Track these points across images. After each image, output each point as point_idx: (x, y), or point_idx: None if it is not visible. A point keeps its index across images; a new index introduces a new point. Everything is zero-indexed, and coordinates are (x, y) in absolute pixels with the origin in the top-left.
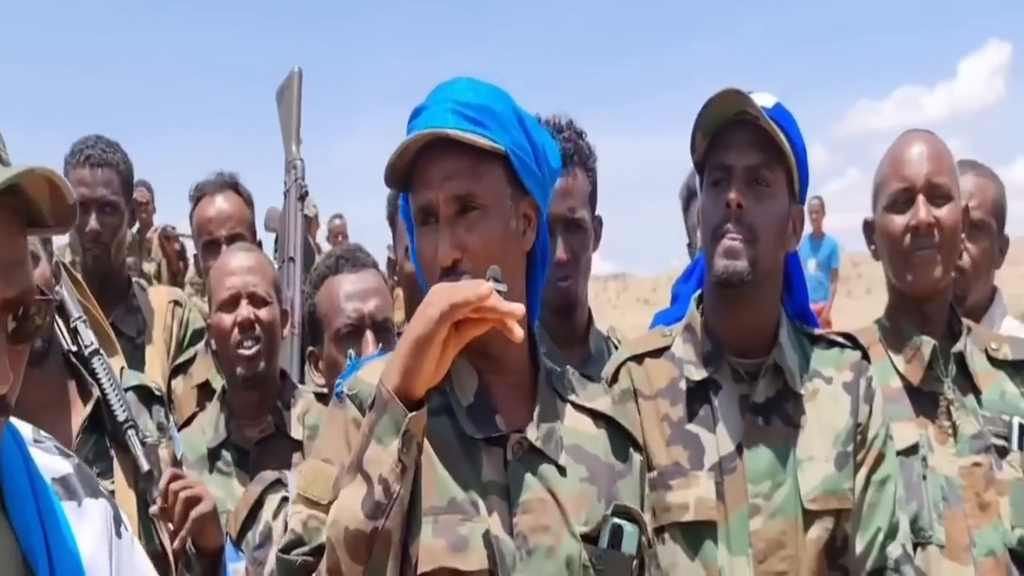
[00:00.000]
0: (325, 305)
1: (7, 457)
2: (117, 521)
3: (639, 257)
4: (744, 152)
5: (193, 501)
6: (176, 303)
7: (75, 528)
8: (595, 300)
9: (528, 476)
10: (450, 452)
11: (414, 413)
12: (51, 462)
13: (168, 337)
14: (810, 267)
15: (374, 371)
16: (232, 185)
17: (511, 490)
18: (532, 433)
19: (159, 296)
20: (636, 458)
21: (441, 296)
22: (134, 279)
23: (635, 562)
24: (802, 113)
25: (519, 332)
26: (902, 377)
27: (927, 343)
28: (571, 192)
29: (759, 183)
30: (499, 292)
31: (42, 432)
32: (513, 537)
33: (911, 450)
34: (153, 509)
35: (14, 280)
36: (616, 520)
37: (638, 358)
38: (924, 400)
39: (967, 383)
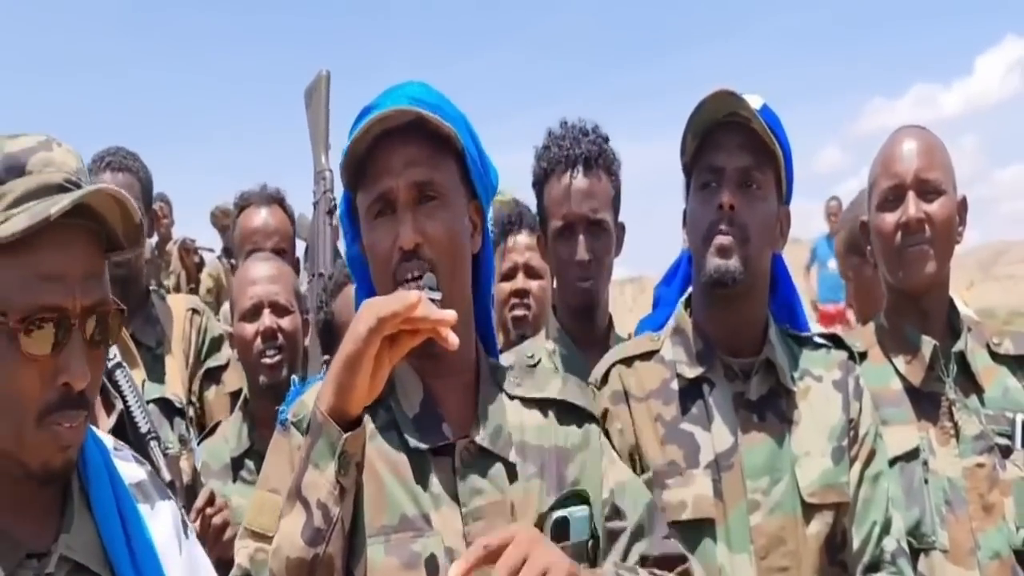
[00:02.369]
0: (345, 314)
1: (92, 463)
2: (184, 523)
3: (654, 260)
4: (735, 154)
5: (223, 528)
6: (194, 311)
7: (150, 526)
8: (613, 304)
9: (478, 481)
10: (399, 467)
11: (349, 433)
12: (129, 469)
13: (187, 346)
14: (829, 266)
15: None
16: (279, 200)
17: (462, 498)
18: (478, 435)
19: (177, 304)
20: (593, 430)
21: (369, 311)
22: (152, 288)
23: (590, 543)
24: (816, 113)
25: (454, 340)
26: (903, 378)
27: (927, 343)
28: (594, 194)
29: (749, 185)
30: (434, 300)
31: (120, 442)
32: (467, 546)
33: (912, 454)
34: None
35: (91, 291)
36: (559, 513)
37: (627, 361)
38: (925, 401)
39: (969, 382)
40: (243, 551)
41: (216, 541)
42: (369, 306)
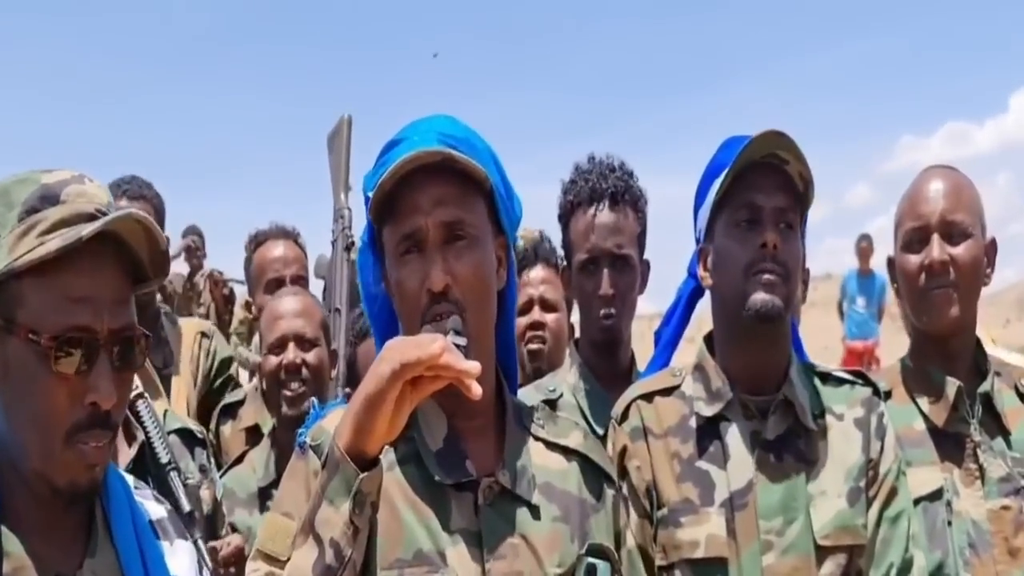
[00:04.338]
0: (365, 364)
1: (115, 496)
2: (200, 564)
3: None
4: (772, 194)
5: None
6: (203, 334)
7: (168, 562)
8: (639, 339)
9: (500, 521)
10: (418, 500)
11: (366, 474)
12: (150, 506)
13: (195, 368)
14: (859, 305)
15: (338, 420)
16: (294, 236)
17: (483, 536)
18: (503, 476)
19: (188, 328)
20: (609, 493)
21: (393, 353)
22: (164, 312)
23: None
24: (846, 150)
25: (477, 390)
26: (926, 419)
27: (951, 384)
28: (620, 229)
29: (785, 225)
30: (459, 346)
31: (140, 481)
32: None
33: (935, 495)
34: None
35: (119, 315)
36: (590, 560)
37: (648, 396)
38: (949, 443)
39: (994, 424)
40: (254, 575)
41: None
42: (392, 348)
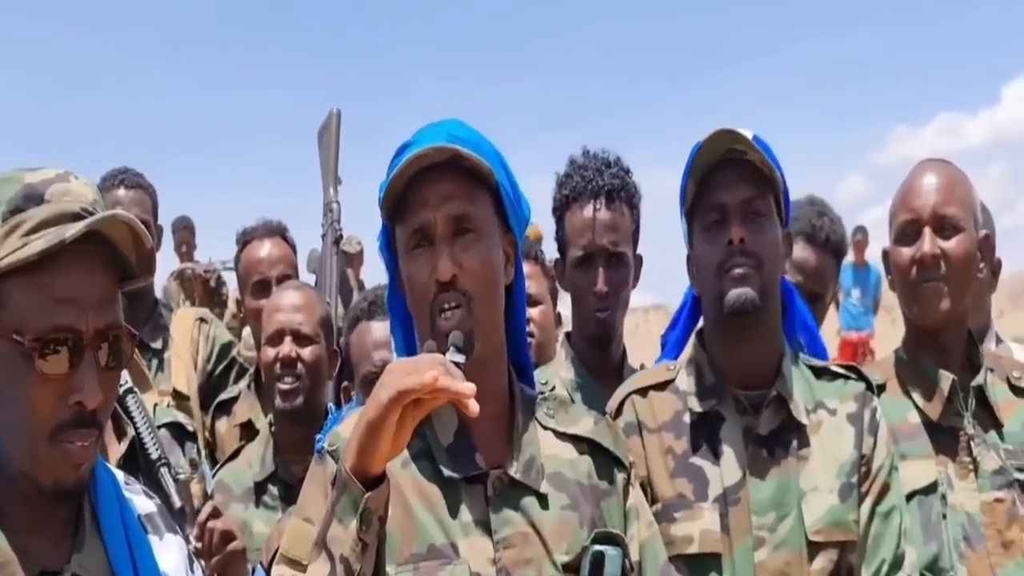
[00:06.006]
0: (356, 350)
1: (103, 491)
2: (191, 559)
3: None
4: (736, 188)
5: (228, 536)
6: (202, 320)
7: (158, 556)
8: (636, 331)
9: (509, 511)
10: (430, 495)
11: (371, 492)
12: (139, 501)
13: (195, 351)
14: (854, 296)
15: (353, 426)
16: (280, 232)
17: (493, 526)
18: (511, 467)
19: (186, 315)
20: (620, 477)
21: (391, 379)
22: (164, 304)
23: None
24: (839, 142)
25: (474, 408)
26: (920, 412)
27: (945, 377)
28: (615, 227)
29: (754, 215)
30: (457, 363)
31: (130, 476)
32: (496, 573)
33: (930, 488)
34: (192, 544)
35: (105, 313)
36: (597, 547)
37: (642, 391)
38: (943, 436)
39: (987, 417)
40: None
41: (218, 552)
42: (391, 373)
